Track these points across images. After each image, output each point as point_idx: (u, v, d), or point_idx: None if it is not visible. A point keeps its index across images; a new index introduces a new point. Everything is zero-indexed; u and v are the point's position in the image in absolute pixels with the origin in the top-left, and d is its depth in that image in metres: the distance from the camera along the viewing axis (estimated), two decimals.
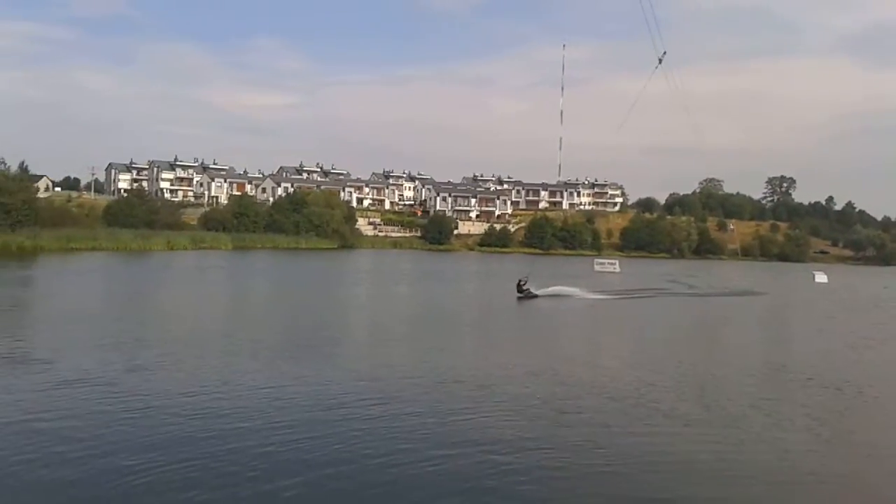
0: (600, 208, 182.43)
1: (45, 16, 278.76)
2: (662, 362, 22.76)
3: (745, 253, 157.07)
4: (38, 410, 14.05)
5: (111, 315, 29.84)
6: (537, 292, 43.18)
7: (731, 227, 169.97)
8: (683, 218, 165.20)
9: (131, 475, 10.75)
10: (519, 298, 41.74)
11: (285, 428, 13.50)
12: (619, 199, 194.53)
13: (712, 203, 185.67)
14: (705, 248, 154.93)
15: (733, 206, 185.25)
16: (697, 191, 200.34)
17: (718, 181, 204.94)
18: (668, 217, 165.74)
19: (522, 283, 43.02)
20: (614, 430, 14.33)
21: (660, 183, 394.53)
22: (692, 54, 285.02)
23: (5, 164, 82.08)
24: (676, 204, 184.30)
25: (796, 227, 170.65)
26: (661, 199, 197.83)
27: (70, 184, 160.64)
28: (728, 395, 18.24)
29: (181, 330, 26.38)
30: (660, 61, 25.42)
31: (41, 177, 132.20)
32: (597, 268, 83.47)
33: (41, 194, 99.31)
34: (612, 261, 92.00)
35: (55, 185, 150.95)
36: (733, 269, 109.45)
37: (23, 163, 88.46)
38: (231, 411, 14.60)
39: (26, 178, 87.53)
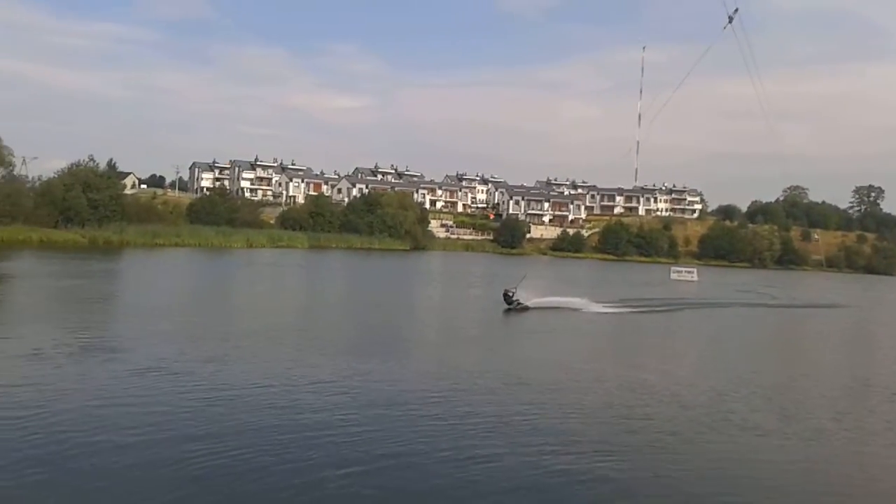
0: (678, 215, 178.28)
1: (129, 17, 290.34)
2: (736, 373, 22.01)
3: (830, 264, 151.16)
4: (113, 395, 14.58)
5: (191, 308, 30.89)
6: (529, 304, 35.97)
7: (816, 237, 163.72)
8: (766, 226, 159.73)
9: (197, 460, 11.02)
10: (507, 311, 35.29)
11: (350, 422, 13.62)
12: (698, 206, 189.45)
13: (796, 212, 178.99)
14: (788, 259, 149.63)
15: (818, 216, 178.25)
16: (781, 199, 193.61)
17: (803, 189, 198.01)
18: (750, 225, 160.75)
19: (510, 293, 35.99)
20: (683, 438, 13.91)
21: (741, 190, 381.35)
22: (774, 58, 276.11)
23: (94, 162, 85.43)
24: (759, 212, 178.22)
25: (884, 239, 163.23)
26: (743, 206, 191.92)
27: (155, 181, 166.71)
28: (807, 407, 17.53)
29: (256, 324, 26.87)
30: (730, 20, 23.17)
31: (128, 174, 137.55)
32: (673, 276, 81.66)
33: (128, 191, 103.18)
34: (690, 269, 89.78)
35: (141, 182, 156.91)
36: (816, 281, 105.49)
37: (111, 160, 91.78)
38: (299, 403, 14.84)
39: (114, 175, 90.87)
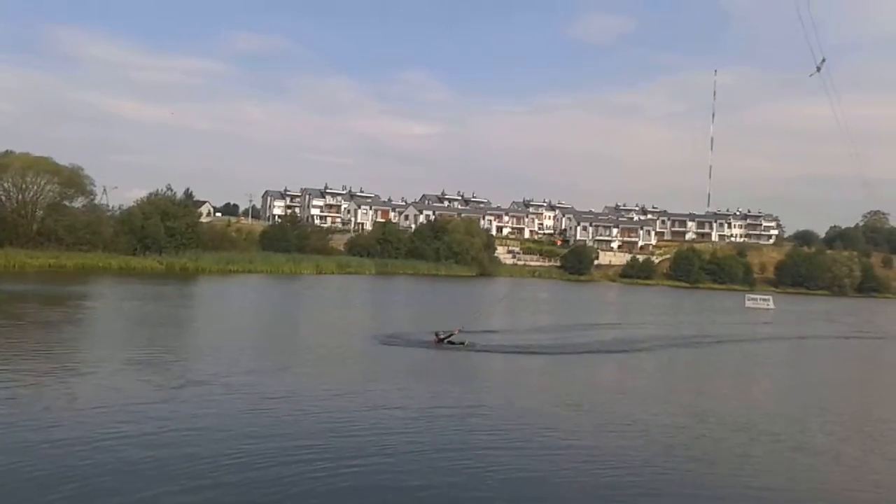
0: (753, 241, 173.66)
1: (210, 52, 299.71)
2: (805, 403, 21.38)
3: None
4: (152, 402, 15.83)
5: (242, 328, 32.40)
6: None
7: None
8: (845, 253, 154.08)
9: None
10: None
11: (423, 448, 13.79)
12: (775, 232, 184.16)
13: (877, 237, 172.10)
14: (869, 286, 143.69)
15: None
16: (861, 224, 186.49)
17: (884, 214, 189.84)
18: (828, 251, 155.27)
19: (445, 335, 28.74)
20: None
21: (819, 215, 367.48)
22: (860, 80, 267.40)
23: (172, 191, 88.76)
24: (837, 237, 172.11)
25: None
26: (821, 231, 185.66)
27: (230, 210, 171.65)
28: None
29: (310, 343, 27.44)
30: (818, 69, 22.89)
31: (204, 203, 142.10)
32: (748, 304, 79.17)
33: (203, 219, 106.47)
34: (766, 297, 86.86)
35: (216, 210, 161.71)
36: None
37: (188, 190, 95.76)
38: (338, 417, 15.38)
39: (190, 203, 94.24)
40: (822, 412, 19.82)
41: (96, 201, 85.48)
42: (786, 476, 13.15)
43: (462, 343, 28.11)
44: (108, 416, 14.35)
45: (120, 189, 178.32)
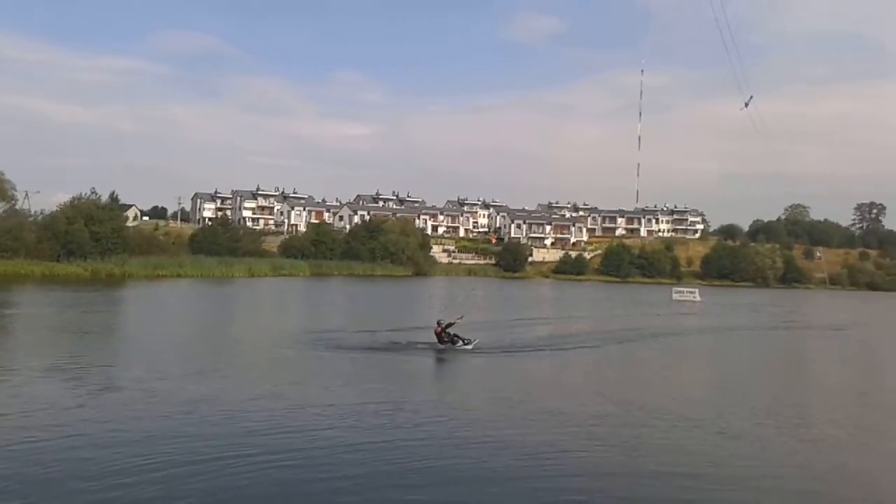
0: (680, 235, 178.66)
1: (139, 51, 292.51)
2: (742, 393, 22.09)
3: (833, 282, 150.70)
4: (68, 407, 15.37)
5: (180, 335, 31.23)
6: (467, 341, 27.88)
7: (819, 254, 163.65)
8: (768, 245, 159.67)
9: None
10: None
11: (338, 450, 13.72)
12: (700, 226, 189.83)
13: (798, 230, 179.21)
14: (791, 277, 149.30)
15: (820, 233, 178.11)
16: (782, 217, 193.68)
17: (805, 207, 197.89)
18: (752, 244, 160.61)
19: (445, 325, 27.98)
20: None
21: (743, 209, 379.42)
22: (780, 78, 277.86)
23: (96, 195, 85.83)
24: (760, 231, 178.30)
25: (887, 256, 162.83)
26: (745, 225, 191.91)
27: (158, 213, 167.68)
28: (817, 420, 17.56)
29: (237, 347, 27.01)
30: (746, 105, 25.50)
31: (130, 206, 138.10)
32: (675, 296, 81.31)
33: (130, 223, 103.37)
34: (692, 289, 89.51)
35: (143, 213, 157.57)
36: (816, 299, 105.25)
37: (113, 192, 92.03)
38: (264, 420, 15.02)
39: (116, 207, 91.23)
40: (743, 399, 20.54)
41: (17, 206, 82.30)
42: (706, 459, 13.63)
43: (468, 343, 27.83)
44: (22, 422, 13.92)
45: (43, 193, 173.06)
